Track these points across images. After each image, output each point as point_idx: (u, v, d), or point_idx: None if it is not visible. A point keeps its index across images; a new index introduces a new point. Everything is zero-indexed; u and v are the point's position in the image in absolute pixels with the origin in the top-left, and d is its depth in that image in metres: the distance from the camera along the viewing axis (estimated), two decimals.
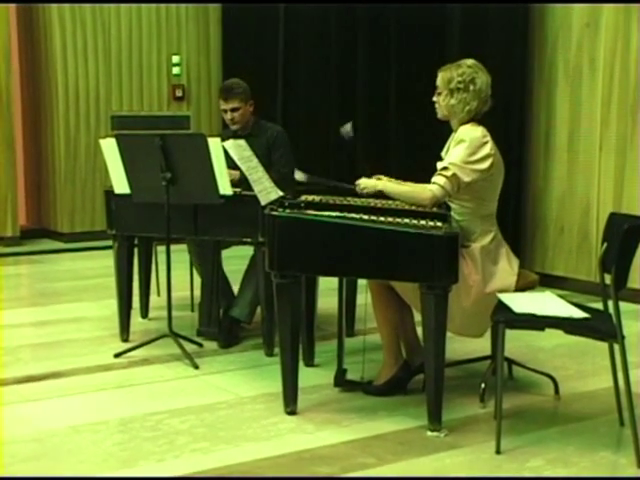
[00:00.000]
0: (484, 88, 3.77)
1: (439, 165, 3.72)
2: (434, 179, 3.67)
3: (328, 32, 7.63)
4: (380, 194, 3.81)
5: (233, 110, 4.94)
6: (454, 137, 3.77)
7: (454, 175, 3.63)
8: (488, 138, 3.74)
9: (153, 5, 8.44)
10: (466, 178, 3.64)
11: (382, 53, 7.08)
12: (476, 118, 3.81)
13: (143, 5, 8.39)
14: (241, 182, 4.48)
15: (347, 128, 4.07)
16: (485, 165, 3.68)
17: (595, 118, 6.01)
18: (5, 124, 7.88)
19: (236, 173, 4.56)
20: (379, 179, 3.91)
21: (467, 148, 3.66)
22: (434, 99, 3.86)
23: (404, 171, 4.18)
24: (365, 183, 3.84)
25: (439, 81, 3.83)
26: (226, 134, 5.02)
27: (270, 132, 5.03)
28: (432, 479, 3.09)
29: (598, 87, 5.98)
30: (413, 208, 3.77)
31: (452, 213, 3.74)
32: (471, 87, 3.74)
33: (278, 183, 4.42)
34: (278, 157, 4.97)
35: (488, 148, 3.70)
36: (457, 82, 3.75)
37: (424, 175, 4.00)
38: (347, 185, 3.99)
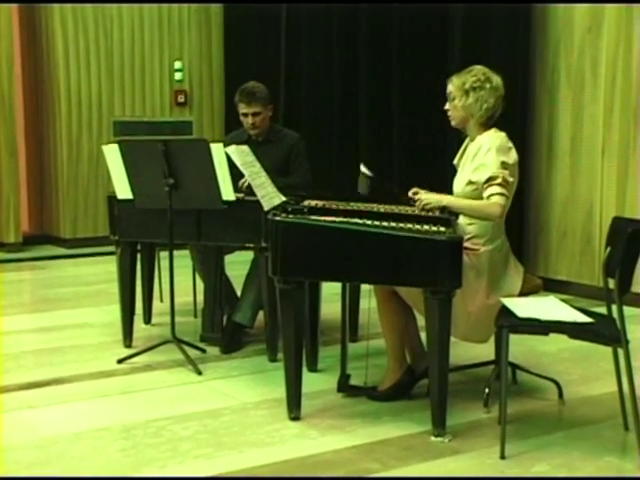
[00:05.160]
0: (500, 86, 3.79)
1: (474, 178, 3.66)
2: (488, 192, 3.59)
3: (330, 40, 7.62)
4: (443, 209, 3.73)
5: (255, 115, 4.87)
6: (479, 145, 3.72)
7: (504, 179, 3.60)
8: (511, 143, 3.74)
9: (155, 11, 8.45)
10: (511, 179, 3.64)
11: (384, 58, 7.07)
12: (490, 123, 3.80)
13: (145, 10, 8.39)
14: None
15: (365, 171, 4.08)
16: (515, 168, 3.70)
17: (597, 122, 6.00)
18: (7, 130, 7.88)
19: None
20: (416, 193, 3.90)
21: (498, 153, 3.65)
22: (446, 107, 3.84)
23: (407, 175, 4.16)
24: (429, 198, 3.74)
25: (451, 87, 3.80)
26: (237, 139, 4.96)
27: (290, 139, 5.01)
28: (438, 479, 3.08)
29: (600, 91, 5.97)
30: (416, 213, 3.76)
31: (461, 217, 3.73)
32: (487, 85, 3.75)
33: (303, 188, 4.50)
34: (299, 164, 4.98)
35: (514, 152, 3.73)
36: (472, 82, 3.74)
37: (431, 180, 4.00)
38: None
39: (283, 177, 4.78)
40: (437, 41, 6.64)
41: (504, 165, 3.63)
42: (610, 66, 5.89)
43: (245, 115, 4.91)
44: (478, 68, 3.81)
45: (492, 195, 3.59)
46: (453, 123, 3.86)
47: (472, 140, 3.82)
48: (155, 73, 8.54)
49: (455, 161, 3.97)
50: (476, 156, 3.71)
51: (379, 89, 7.13)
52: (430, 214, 3.73)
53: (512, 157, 3.70)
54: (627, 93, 5.79)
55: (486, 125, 3.79)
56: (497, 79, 3.79)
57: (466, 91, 3.75)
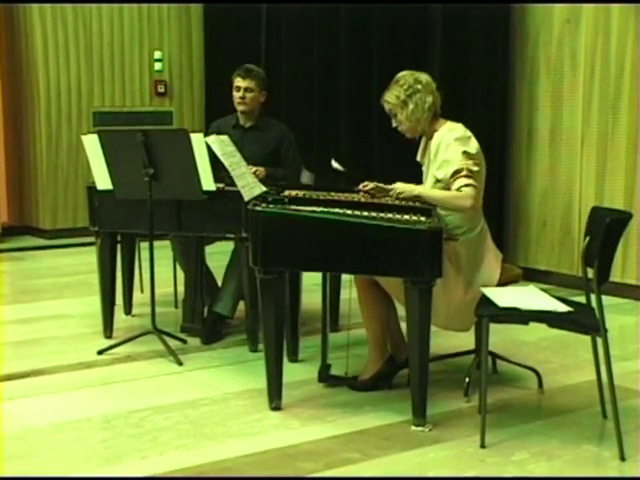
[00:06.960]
0: (429, 81, 3.83)
1: (440, 175, 3.68)
2: (456, 185, 3.62)
3: (310, 30, 7.58)
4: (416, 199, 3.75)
5: (247, 90, 4.87)
6: (438, 142, 3.74)
7: (469, 171, 3.62)
8: (469, 132, 3.76)
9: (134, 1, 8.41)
10: (475, 168, 3.65)
11: (364, 52, 7.05)
12: (437, 115, 3.82)
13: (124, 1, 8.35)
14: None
15: (336, 165, 4.10)
16: (480, 156, 3.71)
17: (576, 113, 6.03)
18: None
19: (262, 170, 4.66)
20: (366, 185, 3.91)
21: (459, 146, 3.67)
22: (394, 125, 3.87)
23: (387, 170, 4.17)
24: (402, 188, 3.77)
25: (389, 105, 3.84)
26: (225, 124, 4.98)
27: (279, 129, 5.02)
28: (414, 479, 3.09)
29: (579, 83, 6.00)
30: (396, 203, 3.77)
31: (438, 208, 3.74)
32: (418, 86, 3.79)
33: (291, 178, 4.59)
34: (292, 156, 4.98)
35: (474, 140, 3.74)
36: (405, 90, 3.78)
37: (408, 175, 4.01)
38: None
39: (270, 167, 4.80)
40: (417, 33, 6.62)
41: (467, 156, 3.65)
42: (589, 57, 5.92)
43: (238, 89, 4.90)
44: (402, 75, 3.85)
45: (461, 187, 3.61)
46: (408, 135, 3.89)
47: (430, 138, 3.83)
48: (135, 63, 8.49)
49: (418, 158, 4.01)
50: (437, 153, 3.73)
51: (360, 85, 7.09)
52: (405, 204, 3.74)
53: (473, 146, 3.72)
54: (605, 84, 5.82)
55: (436, 119, 3.82)
56: (424, 76, 3.84)
57: (404, 102, 3.78)
